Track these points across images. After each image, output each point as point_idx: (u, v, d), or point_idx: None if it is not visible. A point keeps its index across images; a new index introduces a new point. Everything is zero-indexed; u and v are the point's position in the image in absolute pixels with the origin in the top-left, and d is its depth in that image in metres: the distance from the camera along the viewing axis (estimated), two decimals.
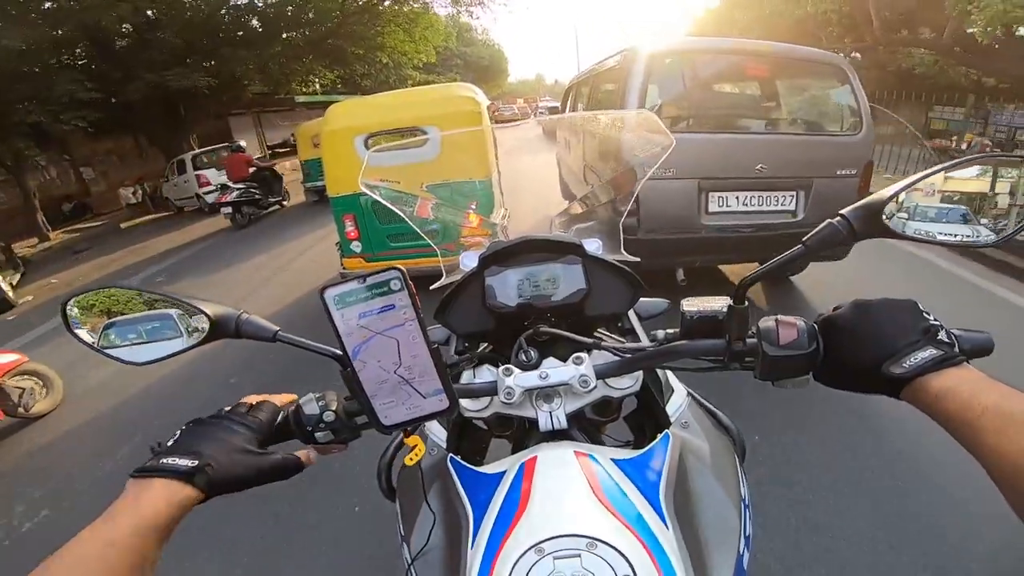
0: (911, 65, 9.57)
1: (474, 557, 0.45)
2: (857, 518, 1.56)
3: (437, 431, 0.67)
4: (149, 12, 9.69)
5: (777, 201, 2.66)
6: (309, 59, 12.63)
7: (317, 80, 14.28)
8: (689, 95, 2.76)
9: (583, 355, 0.57)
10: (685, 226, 2.63)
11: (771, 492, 1.67)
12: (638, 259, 0.79)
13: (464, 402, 0.60)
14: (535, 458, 0.51)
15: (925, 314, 0.43)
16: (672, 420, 0.62)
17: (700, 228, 2.64)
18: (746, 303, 0.49)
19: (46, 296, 5.76)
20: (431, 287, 0.82)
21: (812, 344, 0.47)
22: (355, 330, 0.39)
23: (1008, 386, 0.36)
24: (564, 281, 0.66)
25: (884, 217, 0.44)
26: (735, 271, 3.31)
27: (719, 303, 0.52)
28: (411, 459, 0.50)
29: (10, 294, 5.48)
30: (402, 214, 0.99)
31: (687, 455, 0.56)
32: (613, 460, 0.51)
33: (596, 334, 0.67)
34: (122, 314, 0.50)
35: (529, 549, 0.41)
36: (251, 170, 7.76)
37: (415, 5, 13.59)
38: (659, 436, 0.55)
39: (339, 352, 0.45)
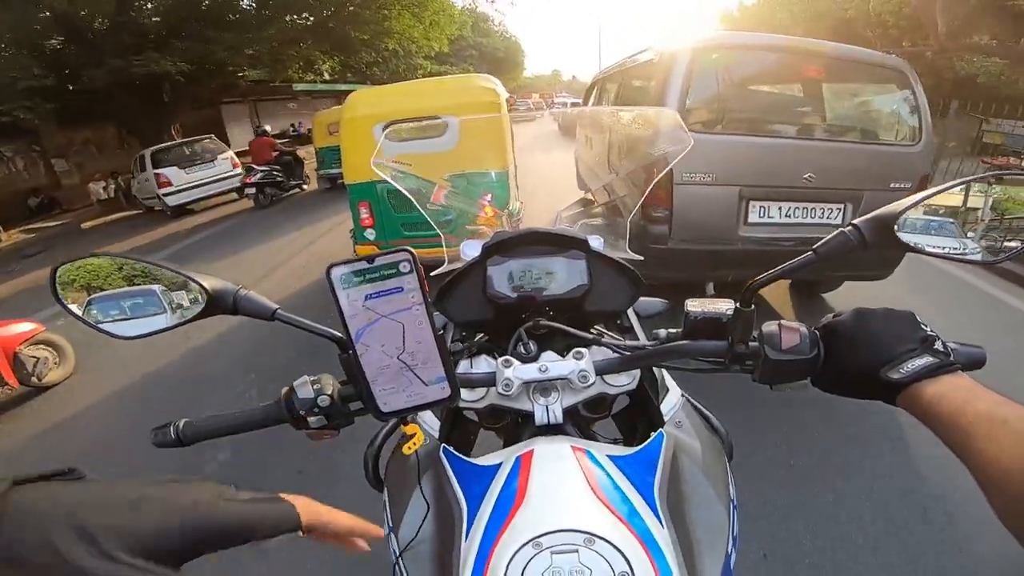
0: (972, 72, 9.53)
1: (468, 550, 0.47)
2: None
3: (430, 421, 0.70)
4: None
5: (823, 214, 2.64)
6: (308, 44, 12.35)
7: (324, 67, 14.16)
8: (734, 94, 2.74)
9: (583, 350, 0.61)
10: (721, 237, 2.61)
11: None
12: (641, 257, 0.83)
13: None
14: (532, 451, 0.54)
15: (923, 325, 0.48)
16: (666, 419, 0.66)
17: (737, 240, 2.62)
18: (752, 307, 0.52)
19: None
20: (431, 273, 0.87)
21: (814, 350, 0.51)
22: (360, 311, 0.41)
23: (1000, 395, 0.40)
24: (566, 275, 0.70)
25: (897, 229, 0.47)
26: (768, 291, 3.42)
27: (724, 305, 0.56)
28: (410, 447, 0.52)
29: None
30: (411, 196, 1.04)
31: (680, 454, 0.60)
32: (609, 456, 0.54)
33: (594, 330, 0.71)
34: (102, 289, 0.50)
35: (527, 543, 0.43)
36: (274, 154, 8.85)
37: None
38: (653, 434, 0.59)
39: (339, 334, 0.47)
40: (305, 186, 9.51)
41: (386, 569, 0.60)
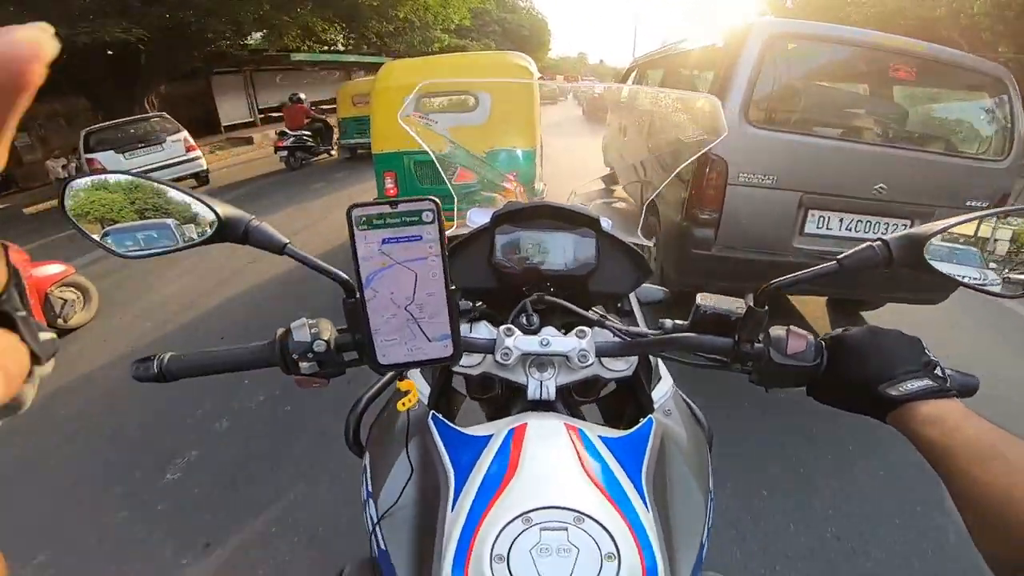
0: None
1: (455, 521, 0.49)
2: None
3: (419, 385, 0.74)
4: None
5: (886, 229, 2.61)
6: (307, 9, 11.94)
7: (329, 36, 13.82)
8: (807, 90, 2.70)
9: (587, 329, 0.65)
10: (773, 246, 2.59)
11: None
12: (650, 243, 0.89)
13: None
14: (525, 425, 0.58)
15: (927, 351, 0.53)
16: (656, 407, 0.72)
17: (790, 251, 2.59)
18: (766, 308, 0.56)
19: None
20: None
21: (817, 359, 0.56)
22: (375, 255, 0.43)
23: (990, 422, 0.45)
24: (574, 253, 0.76)
25: (926, 250, 0.51)
26: (803, 300, 3.49)
27: (734, 303, 0.60)
28: (403, 404, 0.55)
29: None
30: (432, 154, 1.13)
31: (668, 442, 0.65)
32: (601, 437, 0.58)
33: (595, 311, 0.75)
34: (116, 222, 0.54)
35: (516, 518, 0.46)
36: (307, 120, 10.10)
37: None
38: (643, 420, 0.64)
39: (347, 278, 0.51)
40: (333, 152, 10.54)
41: (361, 543, 0.64)
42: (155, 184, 0.54)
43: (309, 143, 9.75)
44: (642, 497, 0.53)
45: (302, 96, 10.55)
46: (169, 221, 0.54)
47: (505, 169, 1.47)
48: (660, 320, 0.66)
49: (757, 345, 0.57)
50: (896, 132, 2.75)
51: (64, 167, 11.33)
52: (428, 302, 0.45)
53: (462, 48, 21.43)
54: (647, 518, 0.50)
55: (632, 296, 0.90)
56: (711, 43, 2.95)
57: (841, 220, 2.59)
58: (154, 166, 8.24)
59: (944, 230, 0.51)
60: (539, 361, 0.67)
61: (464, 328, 0.68)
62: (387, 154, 3.81)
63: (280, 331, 0.57)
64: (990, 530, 0.40)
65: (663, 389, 0.75)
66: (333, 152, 10.56)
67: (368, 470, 0.69)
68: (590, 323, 0.67)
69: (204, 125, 14.29)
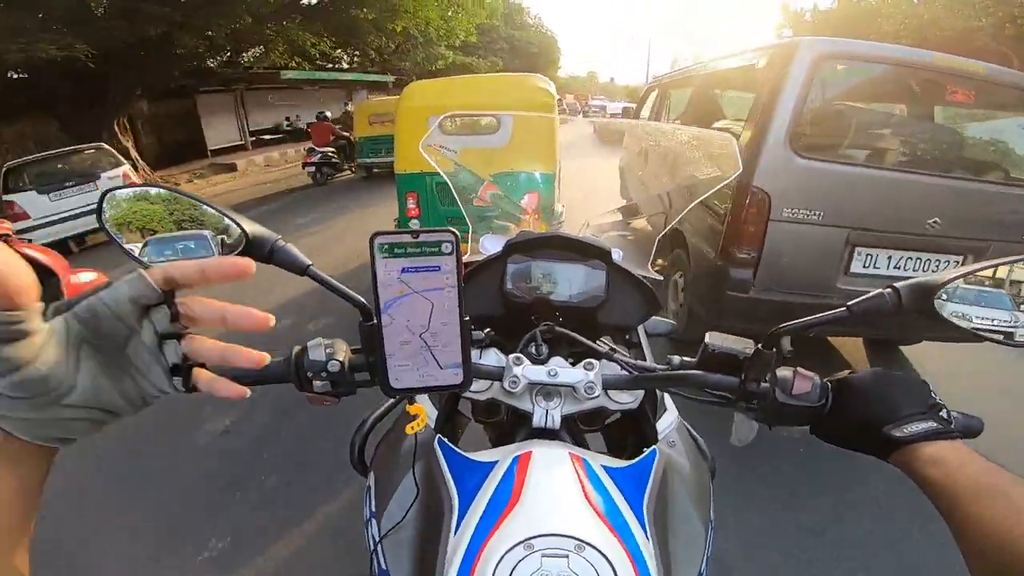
0: None
1: (457, 544, 0.54)
2: None
3: (427, 408, 0.80)
4: None
5: (936, 267, 2.57)
6: (294, 22, 11.94)
7: (343, 57, 14.36)
8: (857, 115, 2.69)
9: (595, 362, 0.70)
10: (815, 287, 2.56)
11: None
12: (660, 277, 0.96)
13: None
14: (530, 453, 0.63)
15: (933, 394, 0.57)
16: (660, 437, 0.78)
17: (835, 292, 2.56)
18: (774, 350, 0.61)
19: None
20: None
21: (822, 399, 0.61)
22: (394, 283, 0.47)
23: (993, 463, 0.49)
24: (584, 284, 0.83)
25: (936, 299, 0.55)
26: (842, 342, 3.57)
27: (743, 343, 0.64)
28: (412, 428, 0.63)
29: None
30: (450, 183, 1.23)
31: (670, 472, 0.70)
32: (604, 467, 0.63)
33: (603, 342, 0.81)
34: (155, 232, 0.60)
35: (518, 544, 0.50)
36: (332, 137, 11.34)
37: None
38: (647, 450, 0.68)
39: (364, 302, 0.56)
40: (355, 169, 11.68)
41: (362, 559, 0.67)
42: (189, 198, 0.60)
43: (334, 159, 10.97)
44: (643, 527, 0.58)
45: (328, 114, 12.00)
46: (206, 232, 0.60)
47: (525, 190, 1.62)
48: (668, 356, 0.71)
49: (763, 385, 0.62)
50: (953, 161, 2.72)
51: None
52: (442, 331, 0.49)
53: (468, 65, 22.02)
54: (647, 548, 0.55)
55: (640, 328, 0.97)
56: (749, 62, 2.95)
57: (890, 258, 2.56)
58: (82, 210, 7.07)
59: (957, 278, 0.55)
60: (546, 390, 0.72)
61: (474, 354, 0.73)
62: (410, 175, 4.08)
63: (296, 349, 0.61)
64: (991, 568, 0.43)
65: (668, 420, 0.81)
66: (355, 169, 11.71)
67: (372, 489, 0.75)
68: (598, 355, 0.72)
69: (190, 148, 14.13)
